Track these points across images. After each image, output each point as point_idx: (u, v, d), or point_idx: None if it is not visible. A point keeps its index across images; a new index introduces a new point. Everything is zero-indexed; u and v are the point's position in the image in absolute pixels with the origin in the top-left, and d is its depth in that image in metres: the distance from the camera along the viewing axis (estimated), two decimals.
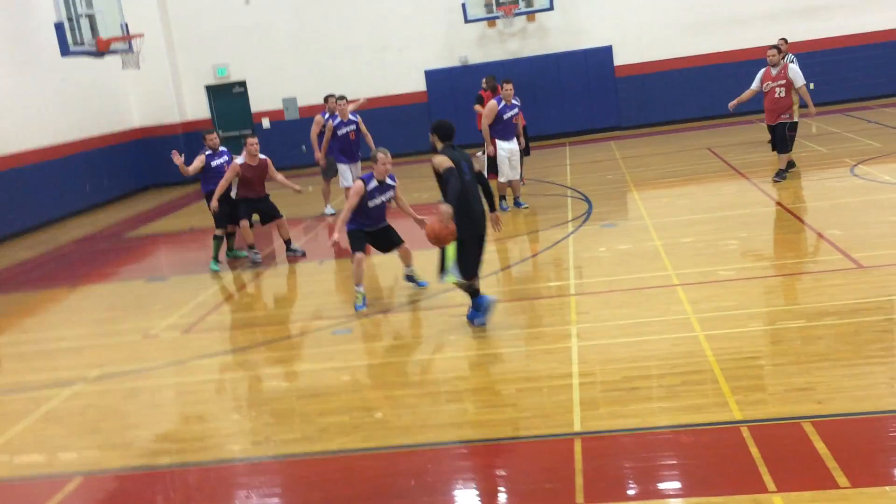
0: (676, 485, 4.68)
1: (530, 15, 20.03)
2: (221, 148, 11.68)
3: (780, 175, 12.15)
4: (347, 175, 13.31)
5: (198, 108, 21.46)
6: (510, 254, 10.17)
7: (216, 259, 11.24)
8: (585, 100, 19.25)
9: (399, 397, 6.26)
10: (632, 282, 8.34)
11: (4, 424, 6.67)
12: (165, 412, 6.75)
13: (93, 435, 6.38)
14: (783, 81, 11.91)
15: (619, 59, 20.17)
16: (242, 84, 21.28)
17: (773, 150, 12.54)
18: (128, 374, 7.59)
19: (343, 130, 13.21)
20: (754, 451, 4.80)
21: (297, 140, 20.71)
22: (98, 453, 6.00)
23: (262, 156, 11.09)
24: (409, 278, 8.94)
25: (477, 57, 20.35)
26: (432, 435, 5.57)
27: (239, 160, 10.92)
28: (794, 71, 12.00)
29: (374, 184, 8.23)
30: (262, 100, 21.24)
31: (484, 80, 14.61)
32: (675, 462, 4.89)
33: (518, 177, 12.48)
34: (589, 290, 8.29)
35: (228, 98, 21.44)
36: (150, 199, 19.86)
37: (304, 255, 11.20)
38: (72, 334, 8.87)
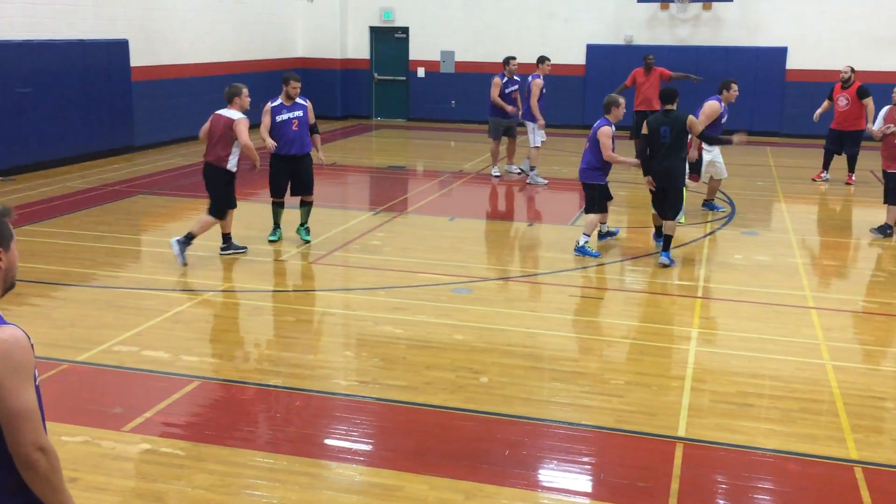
0: None
1: (707, 3, 19.30)
2: (299, 99, 9.46)
3: (883, 230, 10.25)
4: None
5: (359, 48, 21.86)
6: (639, 244, 9.95)
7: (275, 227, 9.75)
8: (750, 99, 18.32)
9: (507, 366, 6.28)
10: (764, 295, 8.03)
11: (138, 318, 7.12)
12: (283, 335, 7.02)
13: (215, 343, 6.73)
14: None
15: (793, 62, 19.19)
16: (405, 30, 21.49)
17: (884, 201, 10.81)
18: (254, 293, 7.93)
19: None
20: (865, 494, 4.58)
21: (448, 94, 20.91)
22: (217, 362, 6.32)
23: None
24: (606, 234, 9.92)
25: (643, 38, 19.78)
26: (533, 409, 5.58)
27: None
28: None
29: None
30: (421, 48, 21.40)
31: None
32: (776, 488, 4.72)
33: (725, 174, 11.51)
34: (717, 296, 8.04)
35: (389, 42, 21.72)
36: None
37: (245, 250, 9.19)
38: (207, 245, 9.30)
